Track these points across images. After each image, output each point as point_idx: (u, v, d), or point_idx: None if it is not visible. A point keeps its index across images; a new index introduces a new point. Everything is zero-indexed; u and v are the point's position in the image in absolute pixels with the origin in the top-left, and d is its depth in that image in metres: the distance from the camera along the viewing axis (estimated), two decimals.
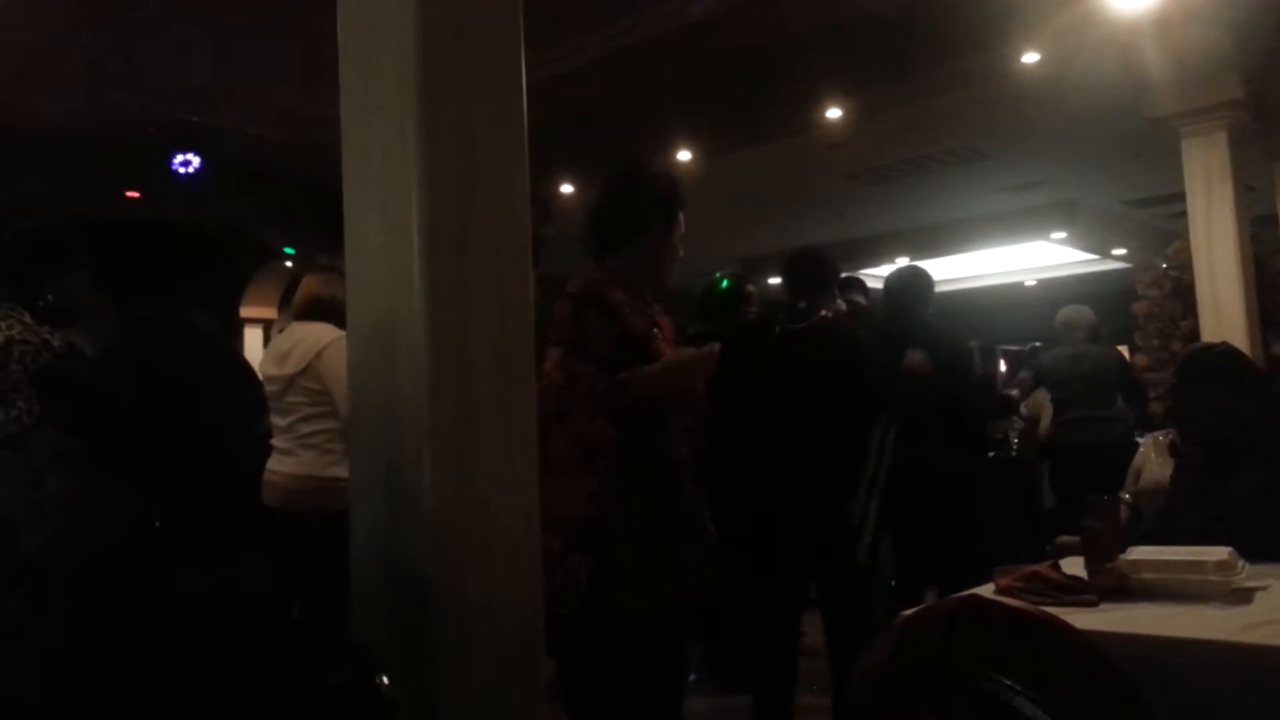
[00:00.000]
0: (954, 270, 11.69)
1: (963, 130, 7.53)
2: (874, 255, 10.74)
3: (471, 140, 1.94)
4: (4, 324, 3.01)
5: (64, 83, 6.69)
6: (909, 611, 1.80)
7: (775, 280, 9.97)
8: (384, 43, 1.95)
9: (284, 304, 4.64)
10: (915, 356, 3.98)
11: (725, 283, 4.54)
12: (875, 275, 7.85)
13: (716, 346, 2.49)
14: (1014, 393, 5.41)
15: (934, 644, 1.63)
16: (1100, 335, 5.77)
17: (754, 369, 3.41)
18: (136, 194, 8.38)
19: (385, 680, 1.45)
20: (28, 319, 3.08)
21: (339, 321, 3.35)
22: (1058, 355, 5.70)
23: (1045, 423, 5.84)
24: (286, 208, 8.66)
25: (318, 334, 3.61)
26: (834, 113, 6.54)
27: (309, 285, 3.84)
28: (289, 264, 9.80)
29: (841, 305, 3.87)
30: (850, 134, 6.92)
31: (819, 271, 3.69)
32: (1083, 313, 5.70)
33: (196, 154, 7.69)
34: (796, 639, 3.54)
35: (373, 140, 1.97)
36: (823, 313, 3.54)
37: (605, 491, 2.37)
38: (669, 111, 6.58)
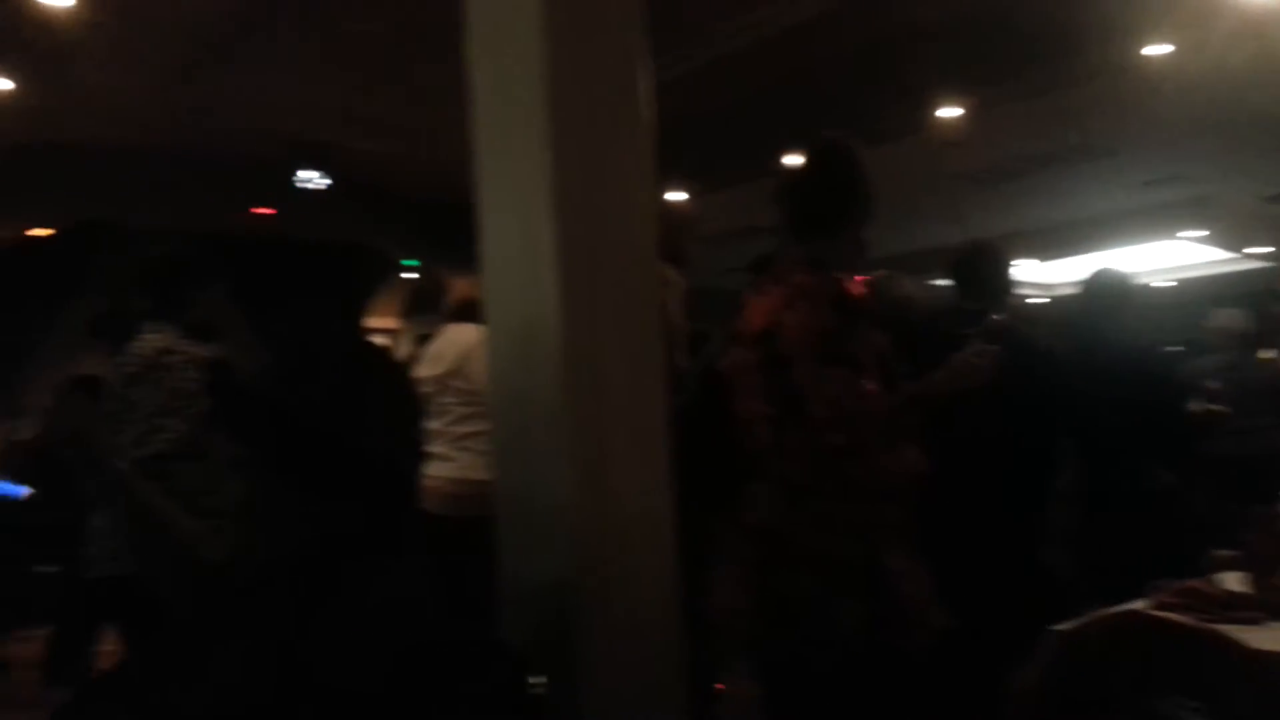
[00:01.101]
0: (1078, 272, 11.29)
1: (1089, 125, 7.27)
2: None
3: (600, 158, 1.99)
4: (154, 338, 3.17)
5: (193, 107, 7.02)
6: (1063, 627, 1.74)
7: None
8: (513, 68, 2.01)
9: (408, 314, 4.76)
10: None
11: None
12: None
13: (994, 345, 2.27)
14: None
15: (1096, 660, 1.57)
16: (1252, 340, 5.57)
17: None
18: (267, 210, 8.73)
19: (536, 681, 1.47)
20: (173, 335, 3.22)
21: None
22: (1216, 363, 5.52)
23: None
24: (407, 221, 8.89)
25: (467, 335, 3.64)
26: (953, 110, 6.40)
27: (461, 288, 3.83)
28: (412, 275, 10.03)
29: (1016, 307, 3.60)
30: (969, 132, 6.77)
31: (991, 270, 3.37)
32: (1237, 318, 5.53)
33: (320, 171, 7.99)
34: None
35: (506, 160, 2.03)
36: (993, 317, 3.14)
37: (880, 524, 2.09)
38: (781, 113, 6.51)
